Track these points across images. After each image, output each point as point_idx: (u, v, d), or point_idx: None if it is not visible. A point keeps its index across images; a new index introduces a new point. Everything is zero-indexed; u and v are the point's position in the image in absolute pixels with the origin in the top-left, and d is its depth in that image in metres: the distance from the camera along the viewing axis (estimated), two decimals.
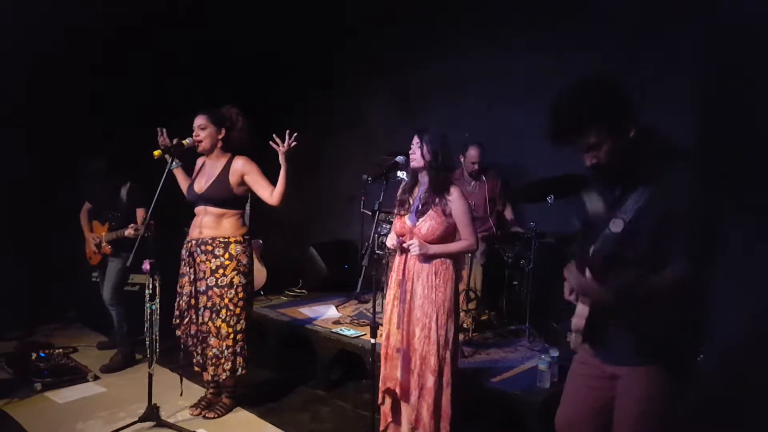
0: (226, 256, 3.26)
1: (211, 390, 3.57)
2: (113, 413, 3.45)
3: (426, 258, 2.77)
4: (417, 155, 2.78)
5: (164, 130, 3.36)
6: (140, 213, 4.18)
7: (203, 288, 3.28)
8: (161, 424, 3.22)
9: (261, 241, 5.17)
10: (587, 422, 1.93)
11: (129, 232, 3.96)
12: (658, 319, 1.71)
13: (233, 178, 3.29)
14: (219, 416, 3.41)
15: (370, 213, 4.64)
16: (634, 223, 1.68)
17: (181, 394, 3.45)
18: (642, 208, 1.67)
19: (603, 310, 1.73)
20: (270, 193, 3.27)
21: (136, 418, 3.21)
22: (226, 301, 3.25)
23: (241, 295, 3.30)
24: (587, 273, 1.67)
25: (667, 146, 1.74)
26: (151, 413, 3.22)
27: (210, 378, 3.34)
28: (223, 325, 3.26)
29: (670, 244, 1.64)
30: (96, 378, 4.02)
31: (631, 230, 1.68)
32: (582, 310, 1.76)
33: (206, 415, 3.40)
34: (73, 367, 4.13)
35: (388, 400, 2.89)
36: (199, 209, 3.35)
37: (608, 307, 1.71)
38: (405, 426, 2.94)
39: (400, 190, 3.02)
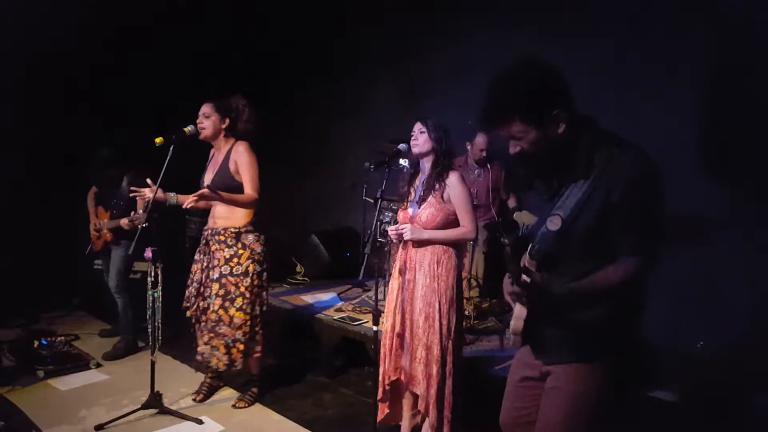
0: (239, 245, 3.27)
1: (210, 376, 3.60)
2: (116, 400, 3.46)
3: (422, 244, 2.77)
4: (420, 141, 2.77)
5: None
6: (141, 202, 4.16)
7: (216, 276, 3.27)
8: (164, 411, 3.23)
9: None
10: (524, 423, 1.85)
11: (124, 221, 3.94)
12: (595, 316, 1.63)
13: (233, 166, 3.27)
14: (249, 405, 3.42)
15: (372, 201, 4.63)
16: (573, 221, 1.59)
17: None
18: (581, 203, 1.58)
19: (542, 312, 1.66)
20: (248, 190, 3.22)
21: (139, 406, 3.22)
22: (242, 289, 3.26)
23: (256, 282, 3.31)
24: (523, 277, 1.58)
25: (605, 138, 1.63)
26: (154, 400, 3.23)
27: (224, 367, 3.26)
28: (239, 313, 3.25)
29: (614, 240, 1.57)
30: (98, 365, 4.03)
31: (570, 228, 1.60)
32: (520, 312, 1.68)
33: (236, 405, 3.40)
34: (76, 354, 4.14)
35: (386, 395, 2.90)
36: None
37: (549, 310, 1.65)
38: (407, 415, 2.95)
39: (401, 183, 3.01)
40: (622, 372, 1.69)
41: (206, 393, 3.51)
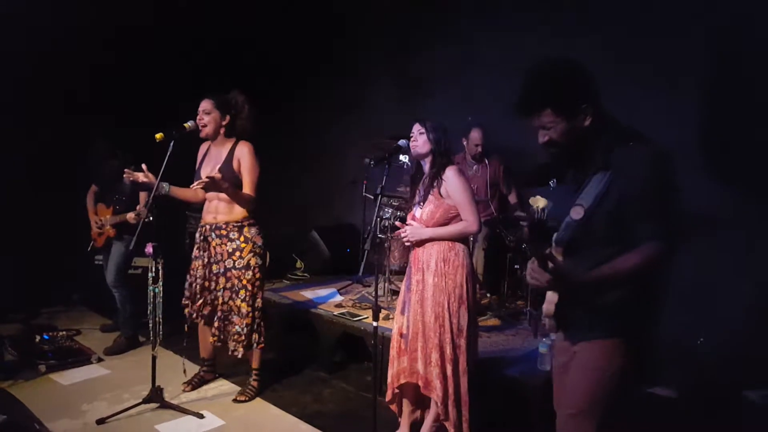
0: (242, 239, 3.31)
1: (204, 368, 3.68)
2: (117, 395, 3.49)
3: (421, 243, 2.78)
4: (419, 142, 2.78)
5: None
6: (143, 196, 4.17)
7: (221, 270, 3.33)
8: (165, 405, 3.25)
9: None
10: None
11: (131, 216, 3.96)
12: (616, 298, 1.73)
13: (236, 164, 3.30)
14: (249, 399, 3.46)
15: (372, 197, 4.64)
16: (594, 210, 1.70)
17: (184, 372, 3.56)
18: (602, 193, 1.69)
19: (568, 296, 1.76)
20: (247, 190, 3.29)
21: (140, 400, 3.25)
22: (245, 281, 3.32)
23: (258, 275, 3.37)
24: (549, 265, 1.66)
25: (623, 132, 1.74)
26: (155, 395, 3.26)
27: (230, 352, 3.39)
28: (243, 304, 3.33)
29: (633, 228, 1.66)
30: (100, 360, 4.05)
31: (592, 216, 1.70)
32: (552, 297, 1.79)
33: (237, 398, 3.44)
34: (77, 349, 4.15)
35: (396, 395, 2.91)
36: (210, 195, 3.36)
37: (575, 293, 1.74)
38: (407, 410, 2.96)
39: (401, 185, 3.03)
40: (641, 350, 1.78)
41: (196, 384, 3.61)
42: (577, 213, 1.72)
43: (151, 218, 3.14)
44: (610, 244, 1.70)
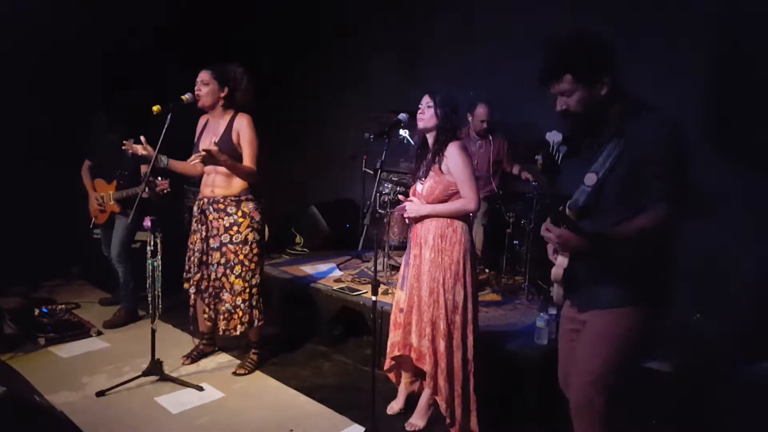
0: (239, 213, 3.27)
1: (203, 341, 3.69)
2: (117, 367, 3.50)
3: (420, 219, 2.77)
4: (426, 116, 2.71)
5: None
6: (144, 170, 4.14)
7: (216, 245, 3.30)
8: (164, 378, 3.27)
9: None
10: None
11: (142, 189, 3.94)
12: (627, 264, 1.79)
13: (235, 137, 3.25)
14: (249, 372, 3.47)
15: (371, 172, 4.60)
16: (607, 176, 1.77)
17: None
18: (614, 160, 1.77)
19: (580, 258, 1.82)
20: (247, 163, 3.25)
21: (140, 372, 3.26)
22: (241, 257, 3.28)
23: (255, 250, 3.33)
24: (562, 226, 1.76)
25: (636, 103, 1.81)
26: (155, 367, 3.27)
27: (221, 332, 3.37)
28: (238, 280, 3.29)
29: (645, 191, 1.73)
30: (99, 333, 4.06)
31: (605, 182, 1.78)
32: (561, 261, 1.85)
33: (237, 372, 3.45)
34: (76, 322, 4.16)
35: (393, 366, 2.94)
36: (208, 168, 3.31)
37: (585, 253, 1.80)
38: (405, 381, 2.99)
39: (401, 158, 3.00)
40: (654, 318, 1.86)
41: (195, 357, 3.62)
42: (590, 179, 1.79)
43: (147, 190, 3.12)
44: (620, 210, 1.77)
